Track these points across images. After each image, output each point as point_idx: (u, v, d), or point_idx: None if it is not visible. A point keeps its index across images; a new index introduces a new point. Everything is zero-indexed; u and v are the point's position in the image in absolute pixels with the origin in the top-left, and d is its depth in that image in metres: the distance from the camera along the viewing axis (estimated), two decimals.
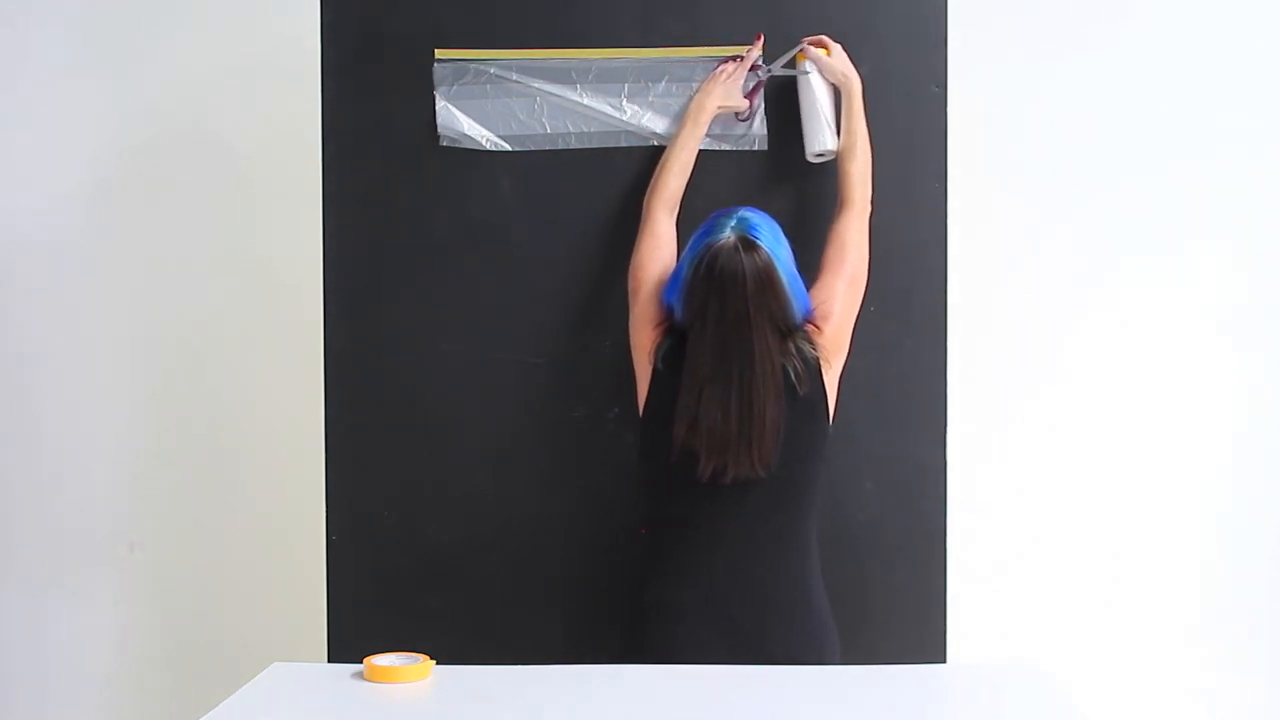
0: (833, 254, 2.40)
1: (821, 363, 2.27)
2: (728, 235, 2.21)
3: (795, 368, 2.22)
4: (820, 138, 2.48)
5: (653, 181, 2.47)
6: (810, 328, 2.29)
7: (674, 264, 2.35)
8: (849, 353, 2.36)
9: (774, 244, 2.23)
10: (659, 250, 2.41)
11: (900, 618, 2.43)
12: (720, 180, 2.54)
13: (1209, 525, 3.20)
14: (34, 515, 3.28)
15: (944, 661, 2.39)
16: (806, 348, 2.25)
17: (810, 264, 2.53)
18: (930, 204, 2.55)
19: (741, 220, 2.24)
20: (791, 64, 2.51)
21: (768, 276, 2.20)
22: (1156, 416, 3.19)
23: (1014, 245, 3.18)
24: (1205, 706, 3.19)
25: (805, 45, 2.49)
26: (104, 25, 3.23)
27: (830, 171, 2.53)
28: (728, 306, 2.18)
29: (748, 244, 2.19)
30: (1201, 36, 3.18)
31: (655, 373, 2.28)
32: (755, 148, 2.55)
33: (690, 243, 2.27)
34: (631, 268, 2.41)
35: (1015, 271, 3.18)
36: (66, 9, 3.24)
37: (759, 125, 2.54)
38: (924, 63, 2.55)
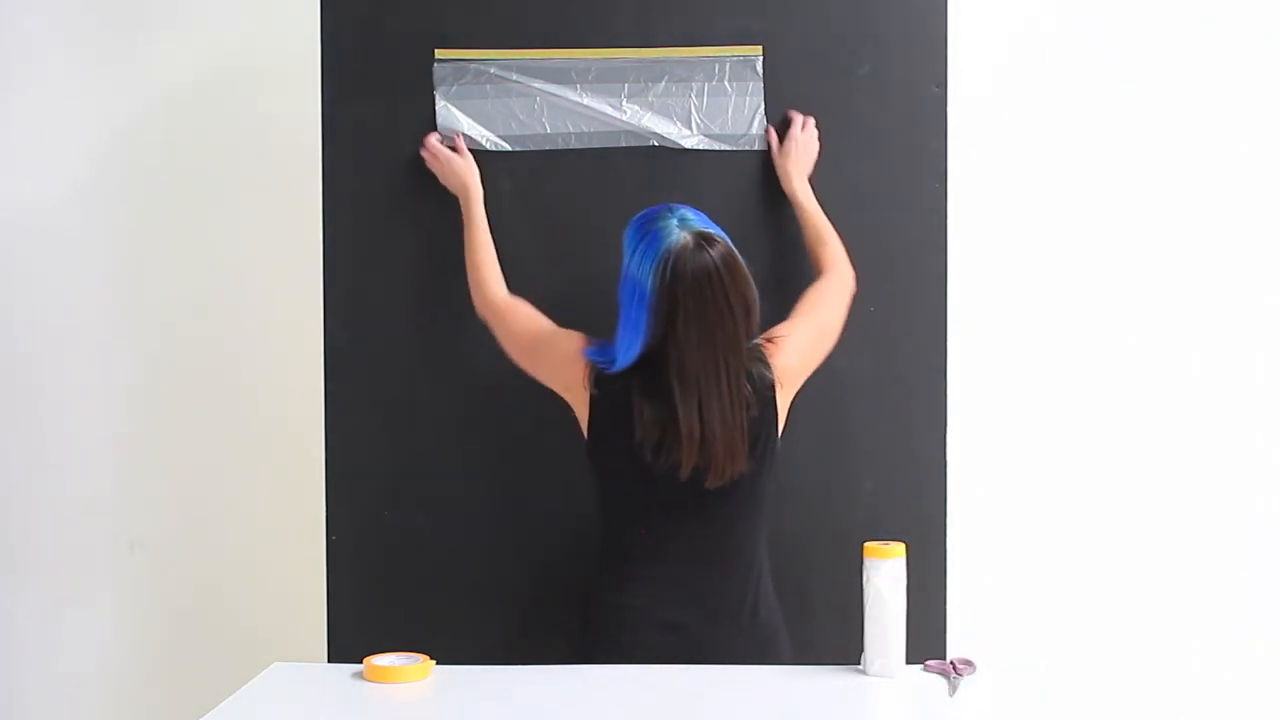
0: (807, 303, 2.36)
1: (776, 385, 2.24)
2: (681, 236, 2.17)
3: (754, 378, 2.21)
4: (885, 662, 2.12)
5: (473, 283, 2.44)
6: (765, 344, 2.26)
7: (536, 312, 2.38)
8: (847, 348, 2.37)
9: (724, 235, 2.22)
10: (524, 311, 2.40)
11: None
12: (720, 180, 2.54)
13: (1210, 524, 3.20)
14: (34, 515, 3.27)
15: None
16: (759, 367, 2.23)
17: (807, 265, 2.53)
18: (930, 204, 2.55)
19: (684, 219, 2.20)
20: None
21: (735, 266, 2.18)
22: (1157, 415, 3.19)
23: (1014, 245, 3.18)
24: (1205, 706, 3.19)
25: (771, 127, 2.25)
26: (103, 25, 3.23)
27: (831, 173, 2.53)
28: (706, 307, 2.15)
29: (707, 239, 2.17)
30: (1203, 36, 3.17)
31: (594, 397, 2.25)
32: (755, 148, 2.55)
33: (634, 253, 2.21)
34: (520, 339, 2.38)
35: (1015, 271, 3.18)
36: (66, 8, 3.24)
37: (759, 125, 2.54)
38: (924, 63, 2.55)
